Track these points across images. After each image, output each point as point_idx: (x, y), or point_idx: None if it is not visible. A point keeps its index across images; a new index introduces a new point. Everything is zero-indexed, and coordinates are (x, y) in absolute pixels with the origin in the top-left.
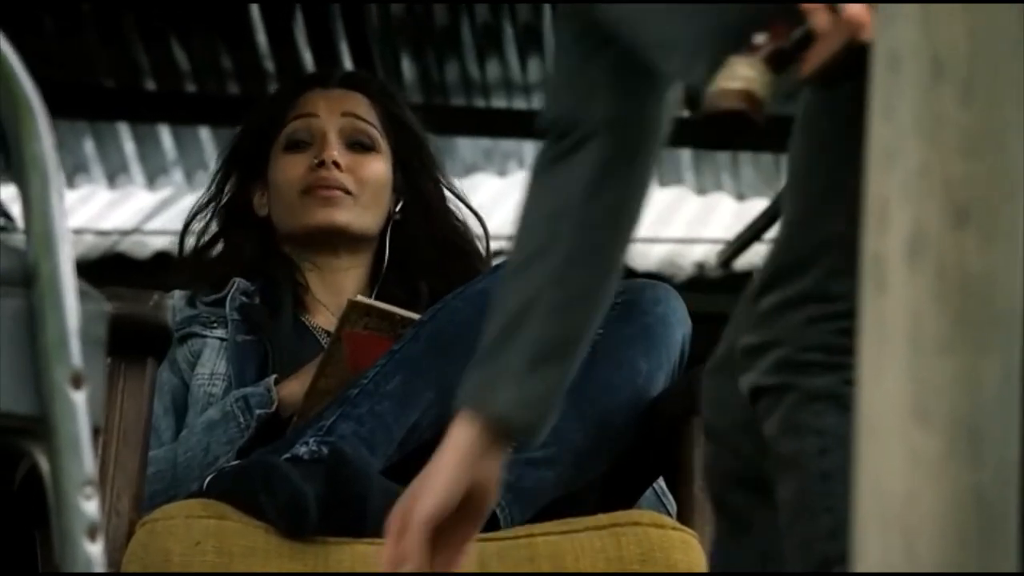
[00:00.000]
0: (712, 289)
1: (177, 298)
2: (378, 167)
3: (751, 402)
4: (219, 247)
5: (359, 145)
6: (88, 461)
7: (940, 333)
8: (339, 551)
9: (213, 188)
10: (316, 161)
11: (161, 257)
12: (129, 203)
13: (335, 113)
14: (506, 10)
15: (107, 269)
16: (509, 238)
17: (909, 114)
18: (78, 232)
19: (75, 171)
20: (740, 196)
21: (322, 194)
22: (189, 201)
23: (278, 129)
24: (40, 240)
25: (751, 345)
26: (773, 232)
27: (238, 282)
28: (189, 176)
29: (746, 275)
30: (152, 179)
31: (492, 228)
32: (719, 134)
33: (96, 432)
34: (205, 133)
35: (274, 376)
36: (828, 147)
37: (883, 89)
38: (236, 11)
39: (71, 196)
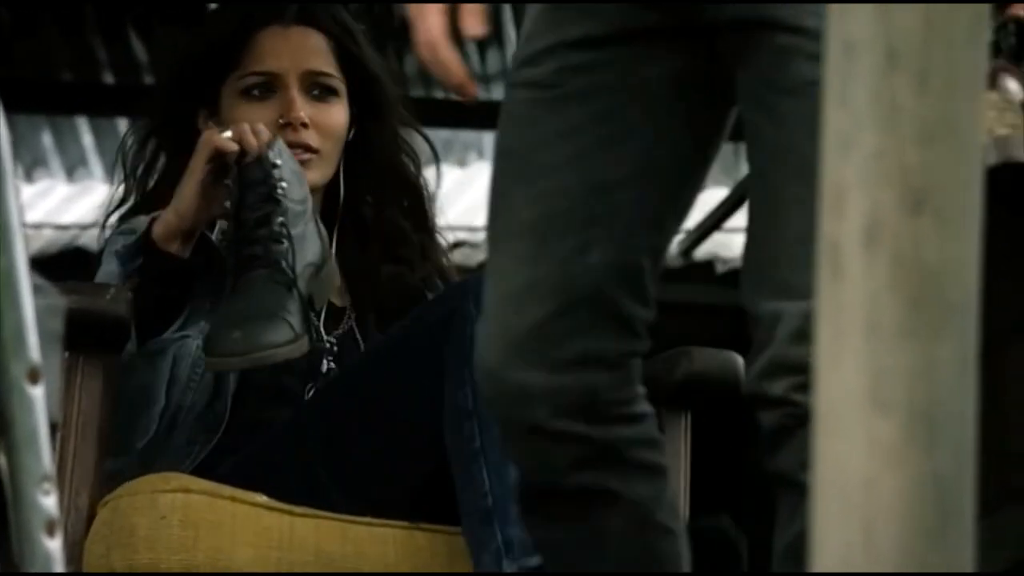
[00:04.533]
0: (672, 278)
1: (142, 221)
2: (339, 115)
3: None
4: (161, 172)
5: (320, 91)
6: (46, 456)
7: (897, 319)
8: (304, 524)
9: (156, 115)
10: (281, 121)
11: None
12: (88, 197)
13: (296, 69)
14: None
15: (66, 263)
16: (469, 228)
17: (864, 101)
18: (37, 226)
19: (33, 165)
20: None
21: None
22: None
23: (232, 67)
24: None
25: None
26: (733, 221)
27: None
28: None
29: (707, 264)
30: (111, 173)
31: (452, 218)
32: None
33: (54, 427)
34: None
35: (151, 217)
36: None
37: (837, 76)
38: (195, 4)
39: (29, 190)
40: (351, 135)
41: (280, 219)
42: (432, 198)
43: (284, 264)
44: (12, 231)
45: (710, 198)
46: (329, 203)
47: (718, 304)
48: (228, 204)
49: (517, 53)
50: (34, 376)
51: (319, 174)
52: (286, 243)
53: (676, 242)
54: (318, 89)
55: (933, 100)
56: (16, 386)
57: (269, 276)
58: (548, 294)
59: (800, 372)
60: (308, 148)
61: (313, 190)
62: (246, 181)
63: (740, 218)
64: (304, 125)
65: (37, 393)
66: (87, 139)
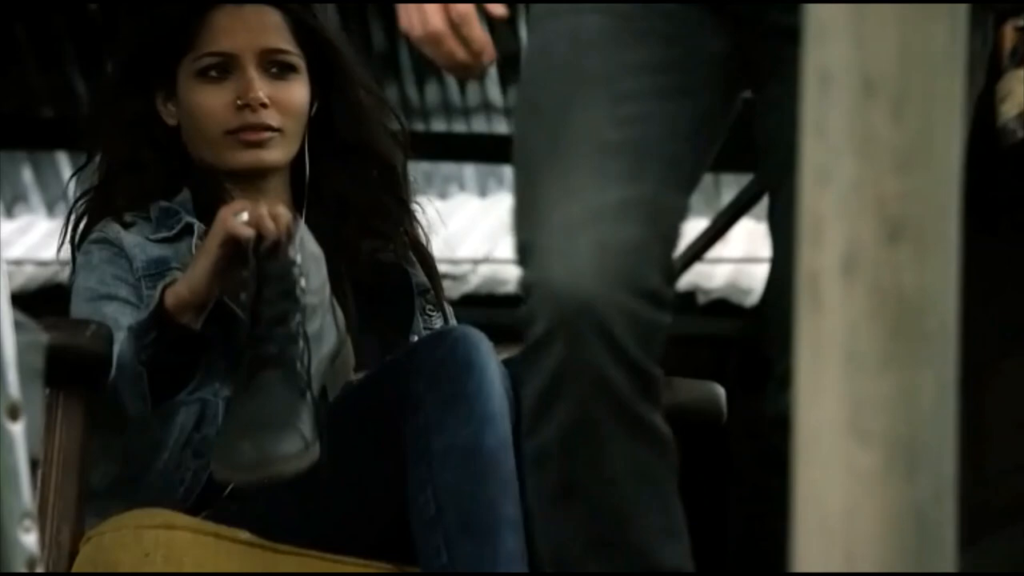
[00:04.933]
0: None
1: (115, 230)
2: (299, 92)
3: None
4: (121, 158)
5: (278, 69)
6: (26, 493)
7: (876, 349)
8: (287, 562)
9: (111, 102)
10: (240, 102)
11: None
12: None
13: (253, 48)
14: None
15: (47, 299)
16: (451, 261)
17: (841, 131)
18: (17, 263)
19: (14, 201)
20: None
21: (250, 138)
22: None
23: (187, 48)
24: None
25: None
26: (714, 252)
27: (181, 217)
28: None
29: (688, 295)
30: None
31: (433, 250)
32: None
33: (34, 464)
34: None
35: (160, 288)
36: None
37: (814, 106)
38: None
39: (10, 226)
40: (314, 110)
41: (297, 318)
42: (405, 169)
43: (299, 366)
44: None
45: (691, 229)
46: (296, 180)
47: (700, 335)
48: (244, 297)
49: None
50: (14, 412)
51: (282, 153)
52: (302, 343)
53: None
54: (276, 67)
55: (909, 129)
56: None
57: (283, 378)
58: (645, 216)
59: None
60: (269, 128)
61: (277, 169)
62: (265, 275)
63: (721, 249)
64: (263, 105)
65: (17, 430)
66: (68, 174)
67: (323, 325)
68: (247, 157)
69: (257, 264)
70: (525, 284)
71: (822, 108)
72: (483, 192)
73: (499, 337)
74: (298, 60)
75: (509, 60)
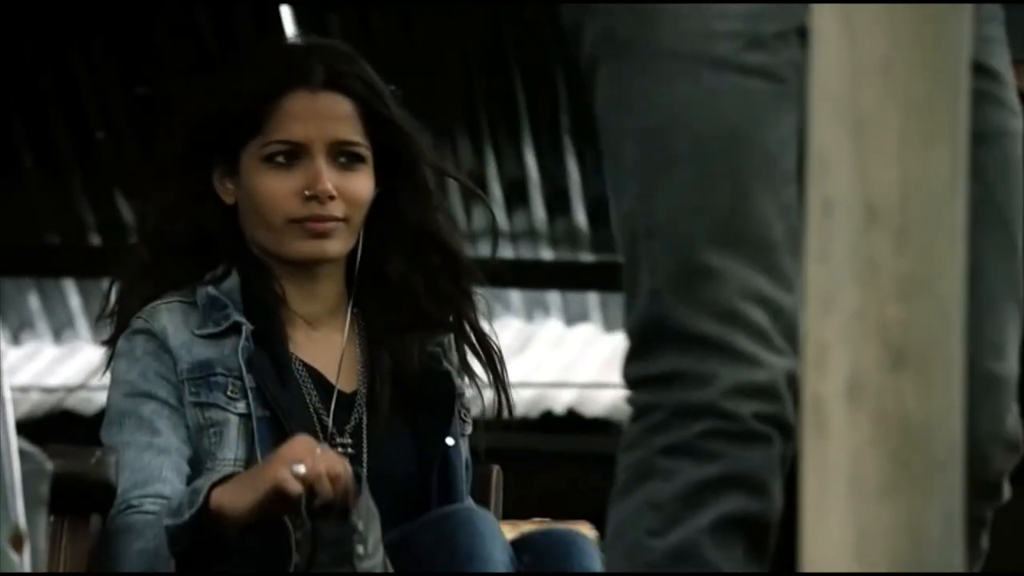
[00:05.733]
0: None
1: (163, 320)
2: (365, 183)
3: None
4: (170, 233)
5: (346, 159)
6: None
7: (880, 476)
8: None
9: (173, 177)
10: (308, 193)
11: None
12: (75, 358)
13: (323, 139)
14: (450, 159)
15: (54, 426)
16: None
17: (844, 259)
18: (23, 390)
19: (20, 328)
20: None
21: (316, 228)
22: None
23: (255, 132)
24: None
25: None
26: None
27: (229, 313)
28: None
29: None
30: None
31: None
32: None
33: None
34: None
35: (207, 488)
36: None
37: (818, 234)
38: None
39: (16, 353)
40: (375, 195)
41: None
42: (467, 260)
43: None
44: None
45: None
46: (349, 266)
47: None
48: (296, 559)
49: (732, 27)
50: (18, 542)
51: (343, 244)
52: None
53: None
54: (344, 156)
55: (911, 257)
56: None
57: None
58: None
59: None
60: (335, 219)
61: (337, 259)
62: (320, 538)
63: None
64: (331, 197)
65: (21, 559)
66: (74, 301)
67: None
68: (309, 247)
69: (313, 528)
70: (689, 371)
71: (825, 236)
72: (488, 316)
73: (505, 462)
74: (365, 151)
75: (515, 186)
